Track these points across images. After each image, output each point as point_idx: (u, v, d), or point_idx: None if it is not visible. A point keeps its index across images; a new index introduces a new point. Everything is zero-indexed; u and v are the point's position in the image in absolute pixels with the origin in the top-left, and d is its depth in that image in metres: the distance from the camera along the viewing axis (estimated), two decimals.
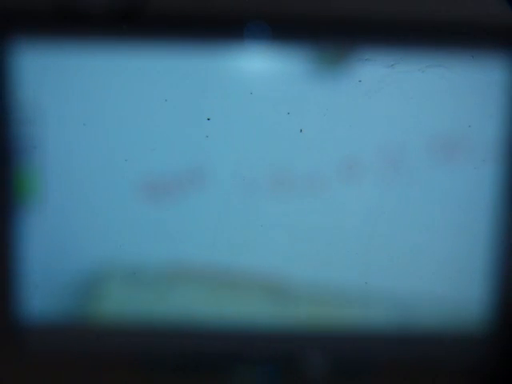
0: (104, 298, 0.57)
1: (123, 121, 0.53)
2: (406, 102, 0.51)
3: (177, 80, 0.52)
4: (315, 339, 0.58)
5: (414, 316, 0.58)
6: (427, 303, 0.57)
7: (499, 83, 0.53)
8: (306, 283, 0.57)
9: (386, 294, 0.57)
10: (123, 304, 0.57)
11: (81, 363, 0.56)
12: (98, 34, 0.52)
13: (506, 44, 0.53)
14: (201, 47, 0.52)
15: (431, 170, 0.54)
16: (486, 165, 0.54)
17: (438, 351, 0.57)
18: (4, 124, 0.53)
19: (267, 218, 0.54)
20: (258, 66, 0.52)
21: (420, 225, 0.55)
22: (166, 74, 0.52)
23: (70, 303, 0.57)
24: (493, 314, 0.58)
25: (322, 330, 0.58)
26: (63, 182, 0.54)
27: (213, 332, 0.57)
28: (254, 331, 0.57)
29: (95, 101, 0.52)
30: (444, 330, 0.58)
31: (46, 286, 0.56)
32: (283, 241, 0.54)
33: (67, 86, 0.52)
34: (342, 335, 0.58)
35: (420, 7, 0.51)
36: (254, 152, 0.53)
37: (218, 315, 0.57)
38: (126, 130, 0.53)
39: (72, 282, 0.56)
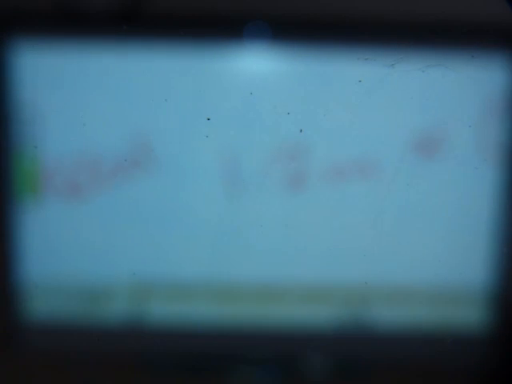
0: (106, 298, 0.57)
1: (123, 121, 0.53)
2: (406, 102, 0.51)
3: (177, 80, 0.52)
4: (315, 339, 0.58)
5: (412, 316, 0.58)
6: (426, 303, 0.57)
7: (499, 83, 0.53)
8: (303, 283, 0.57)
9: (384, 293, 0.57)
10: (124, 304, 0.57)
11: (81, 364, 0.56)
12: (98, 33, 0.52)
13: (506, 44, 0.53)
14: (201, 47, 0.51)
15: (431, 170, 0.54)
16: (486, 164, 0.54)
17: (438, 351, 0.57)
18: (4, 124, 0.53)
19: (265, 218, 0.54)
20: (258, 66, 0.52)
21: (420, 224, 0.55)
22: (166, 74, 0.52)
23: (70, 303, 0.57)
24: (493, 314, 0.58)
25: (321, 329, 0.58)
26: (62, 181, 0.54)
27: (213, 332, 0.57)
28: (253, 331, 0.57)
29: (95, 101, 0.52)
30: (444, 330, 0.58)
31: (46, 286, 0.56)
32: (281, 240, 0.54)
33: (67, 86, 0.52)
34: (342, 335, 0.58)
35: (420, 7, 0.51)
36: (254, 152, 0.53)
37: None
38: (126, 130, 0.53)
39: (73, 282, 0.56)
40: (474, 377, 0.58)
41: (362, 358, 0.59)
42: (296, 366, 0.58)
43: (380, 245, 0.54)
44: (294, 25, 0.51)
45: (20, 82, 0.52)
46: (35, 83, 0.52)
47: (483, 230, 0.56)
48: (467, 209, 0.55)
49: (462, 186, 0.54)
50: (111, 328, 0.57)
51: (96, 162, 0.54)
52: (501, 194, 0.55)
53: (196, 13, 0.51)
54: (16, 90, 0.52)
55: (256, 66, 0.52)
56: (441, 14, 0.50)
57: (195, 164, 0.54)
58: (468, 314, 0.58)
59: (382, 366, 0.59)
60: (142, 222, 0.55)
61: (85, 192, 0.55)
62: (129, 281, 0.56)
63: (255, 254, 0.55)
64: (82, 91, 0.52)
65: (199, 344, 0.57)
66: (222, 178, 0.54)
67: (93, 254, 0.56)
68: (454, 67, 0.50)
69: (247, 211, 0.54)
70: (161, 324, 0.57)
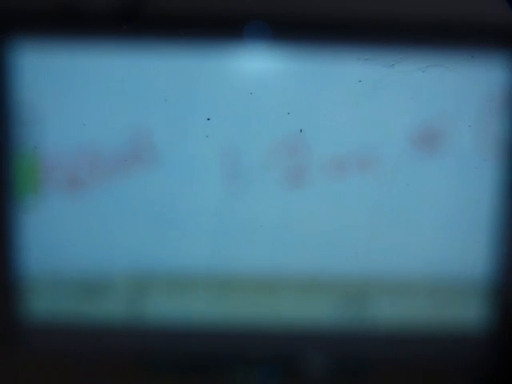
0: (106, 297, 0.57)
1: (123, 121, 0.53)
2: (405, 102, 0.51)
3: (177, 80, 0.52)
4: (315, 339, 0.58)
5: (412, 312, 0.58)
6: (426, 300, 0.57)
7: (499, 83, 0.53)
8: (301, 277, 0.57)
9: (384, 288, 0.57)
10: (125, 304, 0.57)
11: (81, 363, 0.56)
12: (98, 33, 0.52)
13: (506, 44, 0.53)
14: (201, 47, 0.51)
15: (431, 169, 0.54)
16: (486, 164, 0.54)
17: (437, 350, 0.57)
18: (4, 124, 0.53)
19: (265, 212, 0.54)
20: (258, 66, 0.52)
21: (419, 224, 0.55)
22: (166, 74, 0.52)
23: (71, 298, 0.57)
24: (493, 313, 0.58)
25: (321, 329, 0.58)
26: (63, 176, 0.54)
27: (213, 332, 0.57)
28: (254, 331, 0.58)
29: (95, 101, 0.52)
30: (444, 328, 0.58)
31: (46, 281, 0.56)
32: (281, 235, 0.54)
33: (67, 86, 0.52)
34: (342, 335, 0.58)
35: (420, 7, 0.51)
36: (254, 151, 0.53)
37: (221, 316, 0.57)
38: (126, 130, 0.53)
39: (73, 280, 0.56)
40: (474, 376, 0.58)
41: (361, 356, 0.59)
42: (295, 364, 0.58)
43: (379, 240, 0.54)
44: (294, 25, 0.51)
45: (20, 81, 0.52)
46: (35, 83, 0.52)
47: (483, 230, 0.56)
48: (467, 208, 0.55)
49: (462, 186, 0.55)
50: (111, 324, 0.57)
51: (96, 158, 0.54)
52: (501, 193, 0.55)
53: (196, 13, 0.51)
54: (16, 90, 0.52)
55: (256, 66, 0.52)
56: (441, 13, 0.50)
57: (195, 161, 0.54)
58: (468, 312, 0.58)
59: (381, 365, 0.59)
60: (142, 218, 0.55)
61: (85, 187, 0.55)
62: (129, 276, 0.56)
63: (255, 247, 0.55)
64: (82, 91, 0.52)
65: (199, 342, 0.57)
66: (222, 173, 0.54)
67: (93, 249, 0.56)
68: (453, 67, 0.50)
69: (247, 206, 0.54)
70: (161, 320, 0.57)
